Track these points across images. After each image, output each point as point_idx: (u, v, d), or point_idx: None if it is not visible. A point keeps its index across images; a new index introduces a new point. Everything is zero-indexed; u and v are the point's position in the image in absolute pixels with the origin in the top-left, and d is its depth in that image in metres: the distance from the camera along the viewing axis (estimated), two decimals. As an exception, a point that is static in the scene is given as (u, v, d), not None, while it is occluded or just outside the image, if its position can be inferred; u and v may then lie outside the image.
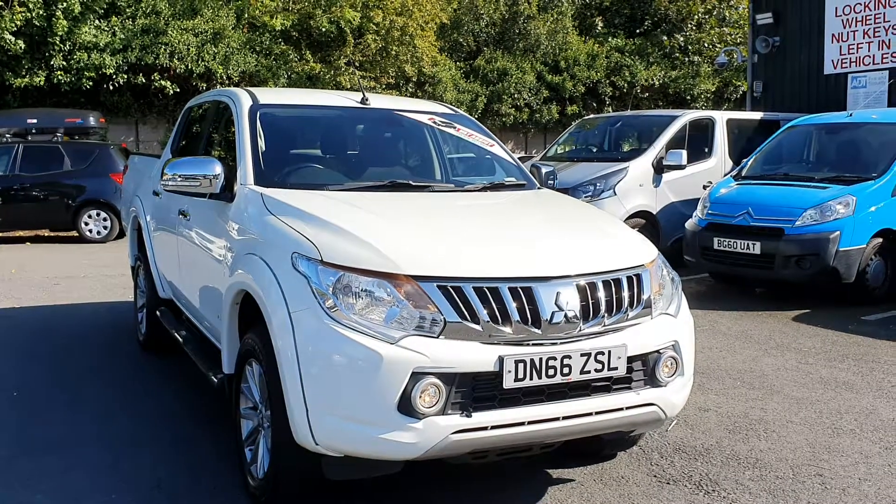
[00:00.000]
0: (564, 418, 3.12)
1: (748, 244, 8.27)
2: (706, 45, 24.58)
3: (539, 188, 4.64)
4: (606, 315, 3.21)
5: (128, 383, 5.36)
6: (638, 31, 26.25)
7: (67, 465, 3.96)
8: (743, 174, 9.35)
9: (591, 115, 14.40)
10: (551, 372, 3.06)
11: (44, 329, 6.96)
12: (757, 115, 11.73)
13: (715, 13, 26.32)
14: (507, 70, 22.90)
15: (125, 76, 17.51)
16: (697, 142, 10.63)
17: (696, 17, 25.93)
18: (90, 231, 13.88)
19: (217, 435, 4.36)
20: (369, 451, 2.99)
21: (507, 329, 3.04)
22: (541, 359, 3.04)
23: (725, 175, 10.13)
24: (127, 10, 17.82)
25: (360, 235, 3.24)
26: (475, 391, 3.00)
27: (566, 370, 3.08)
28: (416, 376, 2.91)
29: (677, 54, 24.50)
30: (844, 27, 13.38)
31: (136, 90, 18.21)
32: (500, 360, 2.98)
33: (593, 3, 26.70)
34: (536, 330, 3.07)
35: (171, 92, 17.90)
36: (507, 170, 4.76)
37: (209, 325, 4.47)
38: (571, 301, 3.13)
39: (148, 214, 5.87)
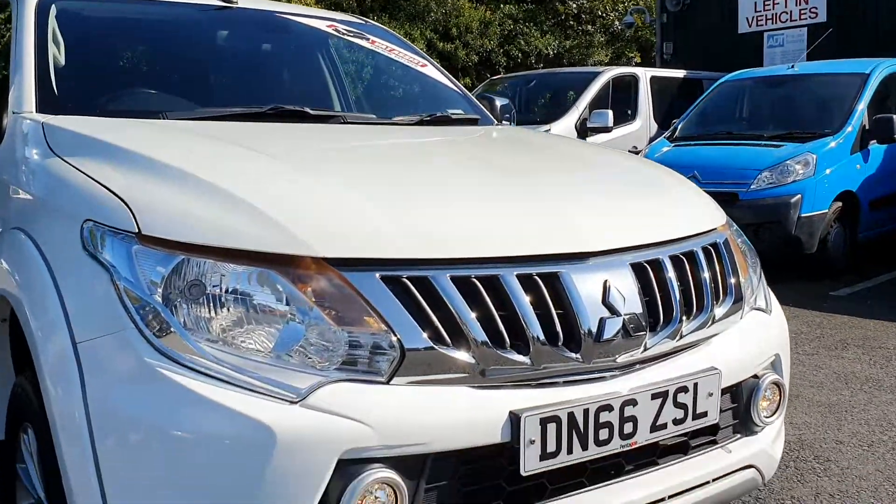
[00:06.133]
0: (620, 515, 1.68)
1: (696, 212, 7.12)
2: (599, 13, 23.77)
3: (498, 125, 3.16)
4: (684, 316, 1.79)
5: None
6: (532, -3, 25.11)
7: None
8: (677, 135, 8.25)
9: (501, 75, 13.09)
10: (604, 434, 1.60)
11: None
12: (680, 73, 10.70)
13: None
14: (395, 38, 21.27)
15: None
16: (620, 102, 9.55)
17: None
18: None
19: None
20: None
21: (521, 357, 1.55)
22: (586, 411, 1.57)
23: (652, 138, 9.08)
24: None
25: (222, 185, 1.66)
26: (465, 485, 1.51)
27: (628, 427, 1.63)
28: (349, 468, 1.40)
29: (571, 22, 23.59)
30: (759, -18, 12.56)
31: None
32: (515, 420, 1.50)
33: (482, -31, 25.40)
34: (573, 354, 1.60)
35: None
36: (448, 99, 3.22)
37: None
38: (629, 295, 1.68)
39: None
